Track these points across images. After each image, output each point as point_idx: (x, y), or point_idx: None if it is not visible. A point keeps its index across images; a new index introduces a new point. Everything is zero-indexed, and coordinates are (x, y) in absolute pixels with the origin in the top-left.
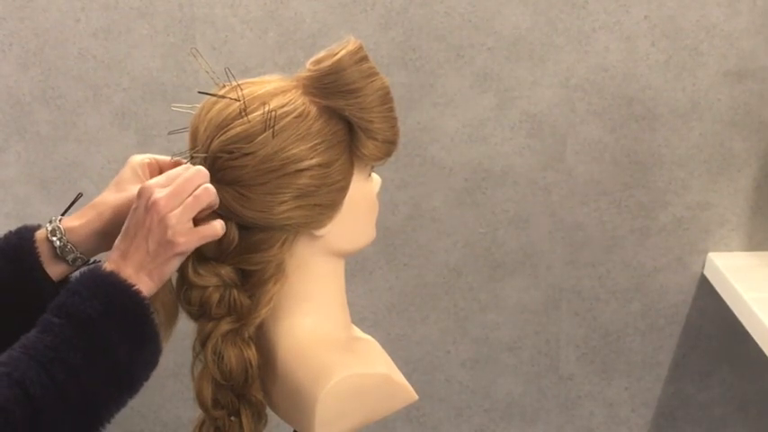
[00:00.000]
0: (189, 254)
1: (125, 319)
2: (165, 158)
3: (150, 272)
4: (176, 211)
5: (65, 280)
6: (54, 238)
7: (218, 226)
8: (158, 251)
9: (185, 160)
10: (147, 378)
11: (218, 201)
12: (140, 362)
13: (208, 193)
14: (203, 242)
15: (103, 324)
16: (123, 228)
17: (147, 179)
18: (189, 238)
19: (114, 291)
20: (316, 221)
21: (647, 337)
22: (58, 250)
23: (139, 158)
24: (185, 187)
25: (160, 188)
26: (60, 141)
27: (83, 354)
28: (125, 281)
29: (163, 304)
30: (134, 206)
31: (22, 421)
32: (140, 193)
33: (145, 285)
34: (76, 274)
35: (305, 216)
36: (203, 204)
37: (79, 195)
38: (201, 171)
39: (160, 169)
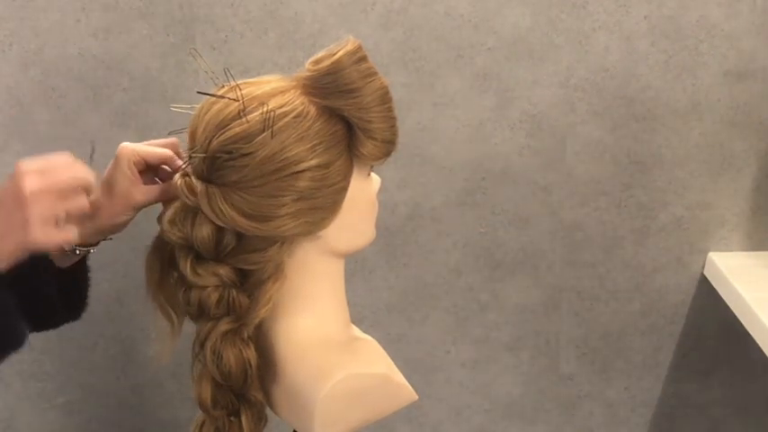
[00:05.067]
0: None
1: None
2: (152, 150)
3: None
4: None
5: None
6: None
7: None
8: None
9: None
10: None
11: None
12: None
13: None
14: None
15: None
16: None
17: (137, 179)
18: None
19: None
20: (316, 225)
21: (647, 337)
22: None
23: (128, 153)
24: (57, 182)
25: (34, 177)
26: (60, 141)
27: None
28: None
29: (172, 306)
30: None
31: None
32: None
33: None
34: None
35: (305, 224)
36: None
37: (93, 145)
38: (79, 170)
39: (147, 165)
